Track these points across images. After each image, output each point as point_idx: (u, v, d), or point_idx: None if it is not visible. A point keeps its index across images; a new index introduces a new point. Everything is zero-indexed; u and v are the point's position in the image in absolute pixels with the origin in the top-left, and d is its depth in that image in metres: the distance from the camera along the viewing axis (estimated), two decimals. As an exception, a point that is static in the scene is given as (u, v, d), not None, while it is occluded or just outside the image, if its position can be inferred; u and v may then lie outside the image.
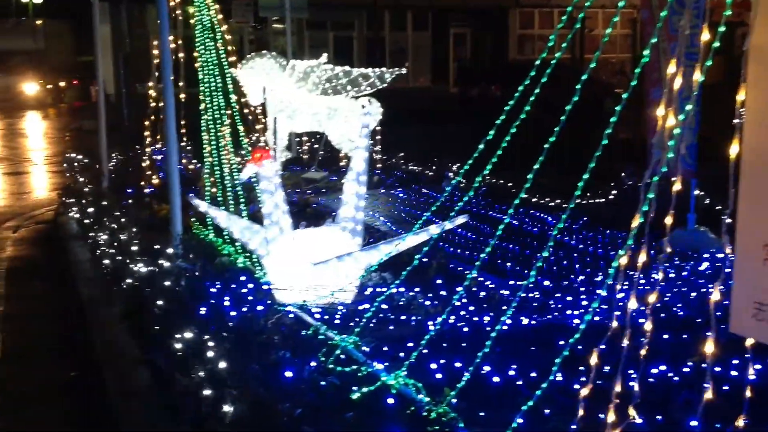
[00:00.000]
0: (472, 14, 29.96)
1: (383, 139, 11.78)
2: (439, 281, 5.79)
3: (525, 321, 4.98)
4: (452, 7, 29.36)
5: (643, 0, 7.97)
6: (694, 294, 5.24)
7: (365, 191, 5.87)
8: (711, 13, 5.62)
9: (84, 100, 31.30)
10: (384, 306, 5.06)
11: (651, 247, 3.43)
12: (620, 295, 4.36)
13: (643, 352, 3.29)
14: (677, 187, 3.17)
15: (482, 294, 5.43)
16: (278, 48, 25.37)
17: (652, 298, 3.26)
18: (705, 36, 3.20)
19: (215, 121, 7.83)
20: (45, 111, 30.45)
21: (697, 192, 7.13)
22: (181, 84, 10.00)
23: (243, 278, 5.69)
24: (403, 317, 5.18)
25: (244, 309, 5.08)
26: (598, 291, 4.84)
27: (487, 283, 5.69)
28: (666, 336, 4.52)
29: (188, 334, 4.63)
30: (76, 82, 34.69)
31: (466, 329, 4.87)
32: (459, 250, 6.97)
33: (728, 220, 3.01)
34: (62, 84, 35.04)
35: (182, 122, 10.10)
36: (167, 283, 5.56)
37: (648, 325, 3.34)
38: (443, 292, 5.48)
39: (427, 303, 5.35)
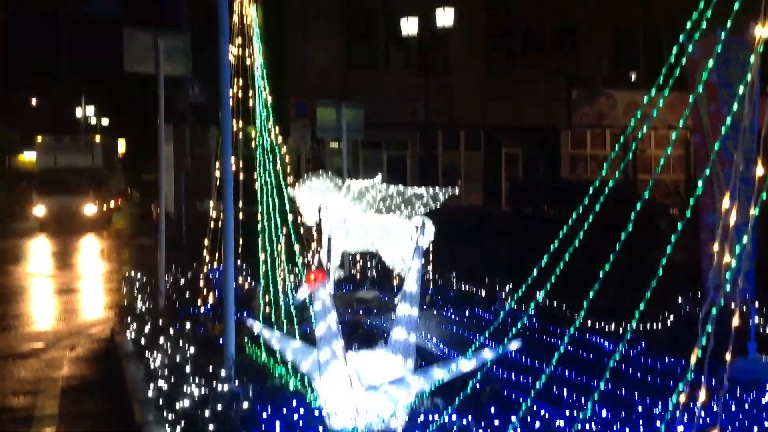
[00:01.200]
0: (524, 134, 30.44)
1: (436, 258, 11.81)
2: (492, 409, 5.67)
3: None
4: (504, 126, 29.90)
5: (695, 123, 8.00)
6: (756, 428, 5.04)
7: (417, 312, 5.85)
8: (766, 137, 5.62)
9: (142, 216, 31.86)
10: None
11: (710, 379, 3.35)
12: (680, 429, 4.22)
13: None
14: (736, 322, 3.13)
15: (537, 424, 5.29)
16: (334, 167, 26.00)
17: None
18: (759, 170, 3.22)
19: (272, 240, 7.99)
20: (103, 229, 29.81)
21: (757, 320, 6.96)
22: (240, 203, 10.27)
23: (294, 402, 5.66)
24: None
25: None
26: (657, 424, 4.69)
27: (542, 412, 5.56)
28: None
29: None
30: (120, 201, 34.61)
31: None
32: (513, 376, 6.85)
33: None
34: (117, 202, 35.21)
35: (240, 241, 10.32)
36: (219, 407, 5.55)
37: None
38: (497, 421, 5.36)
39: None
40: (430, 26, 24.47)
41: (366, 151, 27.97)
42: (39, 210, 30.55)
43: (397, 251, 10.75)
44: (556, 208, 20.23)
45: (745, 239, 3.42)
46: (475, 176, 30.09)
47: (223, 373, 6.31)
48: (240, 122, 10.64)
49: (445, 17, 24.18)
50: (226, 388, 5.99)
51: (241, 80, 10.28)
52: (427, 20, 24.52)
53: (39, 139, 33.42)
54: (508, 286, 10.41)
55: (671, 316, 8.83)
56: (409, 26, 24.74)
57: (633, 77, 31.77)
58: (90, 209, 30.71)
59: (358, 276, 12.62)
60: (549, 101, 30.30)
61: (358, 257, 12.85)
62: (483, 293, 11.27)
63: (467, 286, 11.87)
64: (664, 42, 30.42)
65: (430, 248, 11.22)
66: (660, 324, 8.71)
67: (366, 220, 11.05)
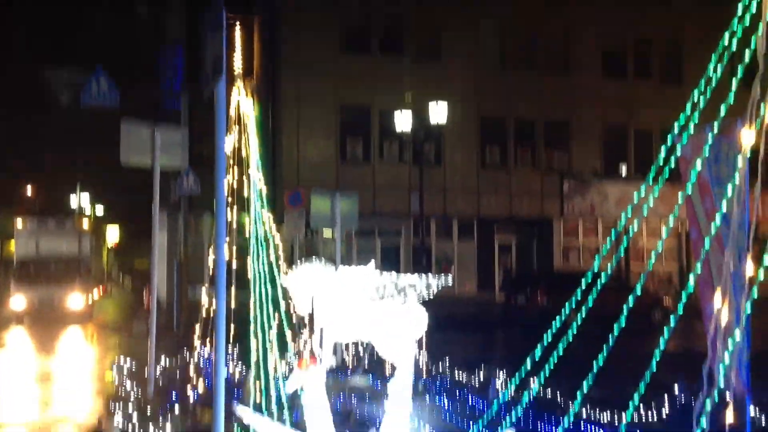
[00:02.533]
0: (517, 224, 30.68)
1: (429, 346, 11.74)
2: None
3: None
4: (497, 217, 30.15)
5: (691, 219, 8.10)
6: None
7: (410, 401, 5.80)
8: (756, 228, 5.69)
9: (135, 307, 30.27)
10: None
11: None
12: None
13: None
14: (730, 419, 3.13)
15: None
16: (327, 255, 26.07)
17: None
18: (749, 271, 3.27)
19: (264, 328, 7.96)
20: (89, 320, 26.50)
21: (752, 409, 6.89)
22: (232, 291, 10.26)
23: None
24: None
25: None
26: None
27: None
28: None
29: None
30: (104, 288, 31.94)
31: None
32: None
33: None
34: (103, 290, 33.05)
35: (231, 327, 10.27)
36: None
37: None
38: None
39: None
40: (423, 119, 24.95)
41: (359, 239, 28.09)
42: (17, 302, 26.22)
43: (390, 340, 10.69)
44: (550, 297, 20.24)
45: (737, 334, 3.44)
46: (469, 266, 30.15)
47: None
48: (234, 211, 10.72)
49: (438, 111, 24.67)
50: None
51: (236, 170, 10.43)
52: (421, 113, 25.02)
53: (19, 222, 29.20)
54: (502, 374, 10.33)
55: (667, 405, 8.75)
56: (403, 120, 25.23)
57: (623, 170, 32.27)
58: (75, 301, 26.58)
59: (350, 364, 12.50)
60: (541, 193, 30.67)
61: (350, 345, 12.76)
62: (477, 382, 11.17)
63: (461, 374, 11.76)
64: (653, 136, 31.04)
65: (424, 337, 11.16)
66: (656, 413, 8.61)
67: (358, 308, 11.01)
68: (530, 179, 30.56)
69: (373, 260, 11.73)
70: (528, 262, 30.85)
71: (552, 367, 4.31)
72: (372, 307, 11.18)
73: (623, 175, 31.99)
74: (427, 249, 28.99)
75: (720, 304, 3.33)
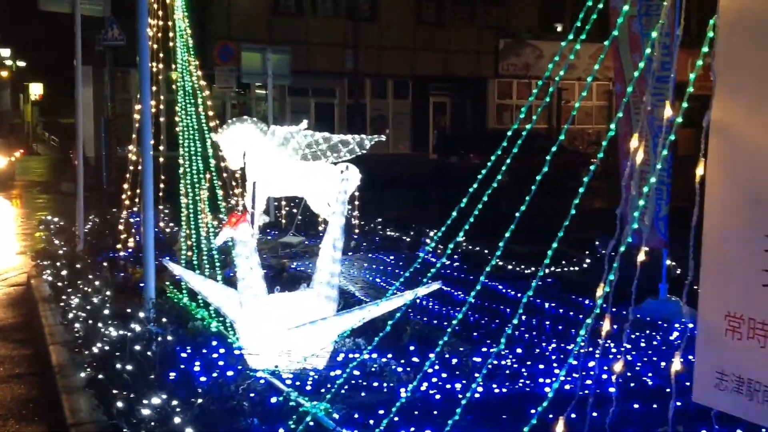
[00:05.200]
0: (452, 83, 30.51)
1: (362, 205, 11.85)
2: (412, 347, 5.77)
3: (496, 388, 4.97)
4: (432, 76, 29.90)
5: (617, 74, 8.13)
6: (663, 364, 5.26)
7: (341, 256, 5.88)
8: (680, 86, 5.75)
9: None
10: (356, 372, 5.04)
11: (620, 316, 3.45)
12: (591, 364, 4.38)
13: (608, 421, 3.29)
14: (641, 257, 3.23)
15: (454, 361, 5.41)
16: (260, 113, 25.66)
17: (618, 366, 3.28)
18: (667, 111, 3.30)
19: (194, 185, 7.87)
20: (12, 180, 25.20)
21: (669, 262, 7.20)
22: (161, 148, 10.05)
23: (215, 343, 5.65)
24: (375, 384, 5.15)
25: (215, 374, 5.03)
26: (568, 360, 4.85)
27: (460, 349, 5.69)
28: (636, 405, 4.52)
29: (156, 400, 4.58)
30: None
31: (438, 396, 4.85)
32: (434, 317, 6.97)
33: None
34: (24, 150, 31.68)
35: (161, 185, 10.14)
36: (137, 347, 5.51)
37: (615, 394, 3.35)
38: (416, 359, 5.46)
39: (400, 369, 5.33)
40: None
41: (293, 98, 27.67)
42: None
43: (322, 197, 10.74)
44: (483, 156, 20.44)
45: (653, 180, 3.50)
46: (403, 125, 30.11)
47: (141, 314, 6.24)
48: (161, 65, 10.34)
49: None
50: (144, 329, 5.94)
51: (161, 20, 9.97)
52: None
53: None
54: (432, 231, 10.53)
55: (589, 259, 9.09)
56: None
57: (559, 28, 32.07)
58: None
59: (283, 221, 12.57)
60: (477, 51, 30.38)
61: (283, 202, 12.79)
62: (408, 238, 11.38)
63: (392, 231, 11.96)
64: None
65: (356, 195, 11.24)
66: (578, 266, 8.95)
67: (291, 165, 10.98)
68: (466, 37, 30.16)
69: (306, 120, 11.63)
70: (462, 122, 30.95)
71: (482, 224, 4.37)
72: (304, 165, 11.16)
73: (559, 32, 31.82)
74: (361, 108, 28.76)
75: (636, 144, 3.37)
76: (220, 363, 5.25)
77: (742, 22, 2.99)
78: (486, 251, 9.66)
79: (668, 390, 4.66)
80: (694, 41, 4.12)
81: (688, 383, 3.11)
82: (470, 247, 9.90)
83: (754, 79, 2.94)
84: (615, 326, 3.44)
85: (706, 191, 3.10)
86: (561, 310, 7.13)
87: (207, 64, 17.63)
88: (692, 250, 3.01)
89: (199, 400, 4.61)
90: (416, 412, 4.56)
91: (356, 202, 11.63)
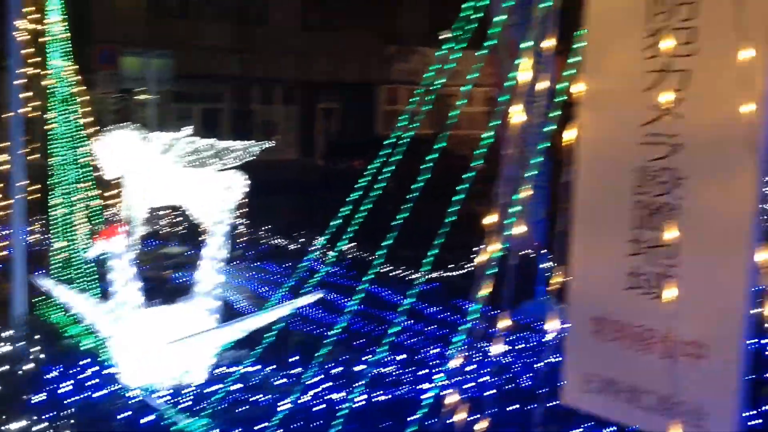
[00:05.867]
0: (341, 89, 30.54)
1: (249, 212, 11.68)
2: (294, 358, 5.71)
3: (378, 396, 4.97)
4: (321, 82, 29.85)
5: (496, 81, 8.33)
6: (538, 365, 5.38)
7: (224, 266, 5.78)
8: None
9: None
10: (237, 386, 4.94)
11: (497, 319, 3.49)
12: (470, 368, 4.43)
13: (483, 425, 3.33)
14: (515, 260, 3.29)
15: (336, 370, 5.38)
16: (143, 120, 24.95)
17: (492, 368, 3.33)
18: (522, 117, 3.38)
19: (68, 195, 7.57)
20: None
21: (547, 264, 7.38)
22: (37, 156, 9.61)
23: (88, 361, 5.43)
24: (256, 397, 5.06)
25: (87, 394, 4.83)
26: (445, 365, 4.90)
27: (342, 358, 5.66)
28: (510, 407, 4.60)
29: (23, 423, 4.35)
30: None
31: (319, 407, 4.81)
32: (318, 326, 6.92)
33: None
34: None
35: (35, 195, 9.69)
36: (5, 368, 5.23)
37: (490, 397, 3.39)
38: (299, 370, 5.41)
39: (281, 381, 5.26)
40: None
41: (178, 104, 27.05)
42: None
43: (205, 206, 10.51)
44: (370, 163, 20.53)
45: (527, 185, 3.57)
46: (291, 131, 29.92)
47: (9, 333, 5.93)
48: (36, 69, 9.88)
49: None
50: (12, 348, 5.64)
51: (35, 22, 9.53)
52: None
53: None
54: (318, 239, 10.47)
55: (472, 262, 9.24)
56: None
57: (447, 35, 32.61)
58: None
59: (164, 231, 12.25)
60: (366, 57, 30.53)
61: (165, 211, 12.46)
62: (293, 246, 11.30)
63: (278, 239, 11.84)
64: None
65: (241, 202, 11.06)
66: (461, 269, 9.09)
67: (173, 173, 10.71)
68: (355, 43, 30.26)
69: (189, 126, 11.36)
70: (351, 128, 31.02)
71: (370, 230, 4.36)
72: (187, 173, 10.90)
73: (447, 39, 32.33)
74: (249, 113, 28.42)
75: (509, 150, 3.44)
76: (93, 382, 5.04)
77: (607, 18, 3.10)
78: (372, 257, 9.67)
79: (541, 391, 4.78)
80: (568, 50, 4.24)
81: (560, 384, 3.18)
82: (357, 253, 9.90)
83: (617, 70, 3.06)
84: (492, 329, 3.49)
85: (574, 195, 3.19)
86: (443, 315, 7.21)
87: (87, 68, 17.04)
88: (558, 254, 3.09)
89: (71, 421, 4.41)
90: (298, 424, 4.50)
91: (241, 210, 11.44)
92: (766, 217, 2.91)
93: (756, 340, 3.18)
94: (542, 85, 3.52)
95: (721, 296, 2.75)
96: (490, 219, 3.52)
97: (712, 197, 2.78)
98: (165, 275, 9.02)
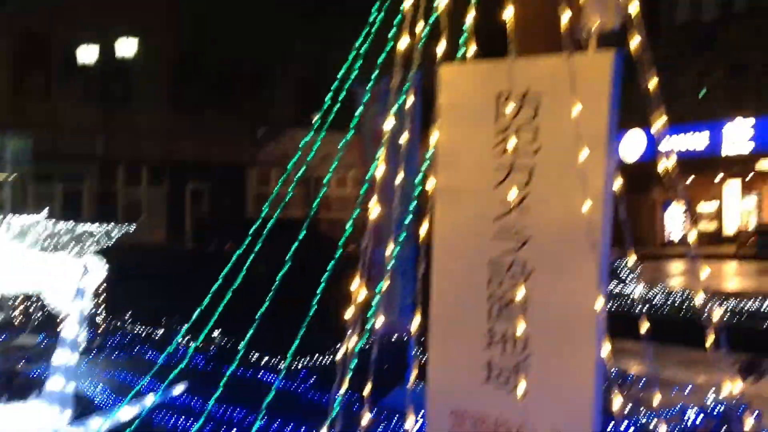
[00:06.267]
0: (211, 170, 30.22)
1: (110, 298, 11.20)
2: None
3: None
4: (190, 162, 29.45)
5: (363, 166, 8.44)
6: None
7: (78, 358, 5.46)
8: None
9: None
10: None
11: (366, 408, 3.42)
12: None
13: None
14: (375, 353, 3.24)
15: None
16: (-1, 201, 23.79)
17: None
18: (378, 210, 3.40)
19: None
20: None
21: (415, 351, 7.37)
22: None
23: None
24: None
25: None
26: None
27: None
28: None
29: None
30: None
31: None
32: (186, 415, 6.61)
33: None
34: None
35: None
36: None
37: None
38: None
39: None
40: (113, 54, 23.49)
41: (38, 185, 25.98)
42: None
43: (61, 292, 10.02)
44: (240, 245, 20.25)
45: (388, 278, 3.56)
46: (159, 213, 29.21)
47: None
48: None
49: (129, 46, 23.36)
50: None
51: None
52: (109, 48, 23.52)
53: None
54: (183, 326, 10.12)
55: (337, 350, 9.12)
56: (88, 54, 23.52)
57: (316, 117, 33.01)
58: None
59: (18, 321, 11.55)
60: (236, 138, 30.43)
61: (19, 300, 11.78)
62: (158, 334, 10.86)
63: (141, 326, 11.36)
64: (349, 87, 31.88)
65: (101, 288, 10.61)
66: (331, 359, 8.95)
67: (28, 259, 10.19)
68: (226, 123, 30.14)
69: (47, 208, 10.90)
70: (220, 210, 30.63)
71: (238, 316, 4.21)
72: (42, 257, 10.39)
73: (315, 121, 32.71)
74: (113, 195, 27.63)
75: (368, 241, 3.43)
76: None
77: (456, 111, 3.19)
78: (238, 343, 9.41)
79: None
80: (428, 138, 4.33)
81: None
82: (223, 339, 9.61)
83: (469, 165, 3.13)
84: (356, 421, 3.40)
85: (431, 287, 3.20)
86: (308, 403, 7.06)
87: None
88: (422, 341, 3.09)
89: None
90: None
91: (101, 296, 10.96)
92: (612, 309, 3.01)
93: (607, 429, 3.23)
94: (399, 177, 3.58)
95: (571, 388, 2.79)
96: (355, 305, 3.47)
97: (559, 291, 2.85)
98: (17, 369, 8.45)
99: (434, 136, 3.32)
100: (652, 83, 2.86)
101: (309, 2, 32.24)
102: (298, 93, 32.57)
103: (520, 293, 2.90)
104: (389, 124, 5.21)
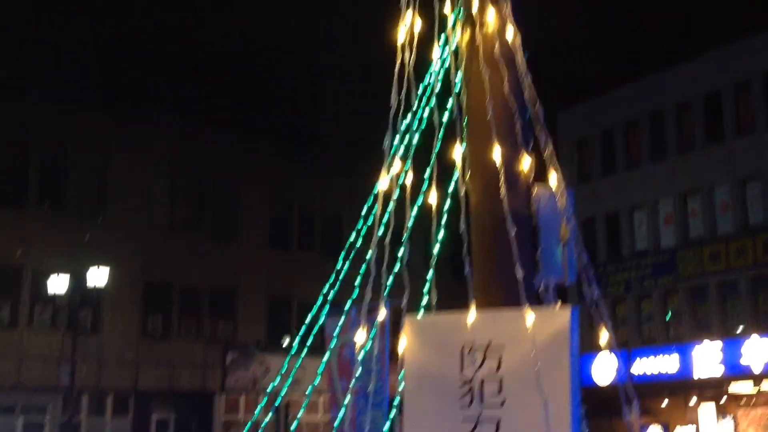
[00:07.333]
0: (177, 398, 29.42)
1: None
2: None
3: None
4: (156, 390, 28.72)
5: (330, 397, 8.36)
6: None
7: None
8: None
9: None
10: None
11: None
12: None
13: None
14: None
15: None
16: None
17: None
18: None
19: None
20: None
21: None
22: None
23: None
24: None
25: None
26: None
27: None
28: None
29: None
30: None
31: None
32: None
33: None
34: None
35: None
36: None
37: None
38: None
39: None
40: (82, 283, 23.58)
41: (-2, 416, 25.10)
42: None
43: None
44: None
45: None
46: (123, 443, 28.04)
47: None
48: None
49: (98, 275, 23.55)
50: None
51: None
52: (79, 277, 23.66)
53: None
54: None
55: None
56: (58, 284, 23.63)
57: (286, 342, 32.79)
58: None
59: None
60: (203, 365, 29.92)
61: None
62: None
63: None
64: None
65: None
66: None
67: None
68: (193, 350, 29.78)
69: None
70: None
71: None
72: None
73: (285, 347, 32.43)
74: (76, 427, 26.58)
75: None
76: None
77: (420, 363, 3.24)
78: None
79: None
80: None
81: None
82: None
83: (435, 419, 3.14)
84: None
85: None
86: None
87: None
88: None
89: None
90: None
91: None
92: None
93: None
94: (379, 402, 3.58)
95: None
96: None
97: None
98: None
99: (399, 388, 3.37)
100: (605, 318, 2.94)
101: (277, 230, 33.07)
102: (268, 313, 32.53)
103: None
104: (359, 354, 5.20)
